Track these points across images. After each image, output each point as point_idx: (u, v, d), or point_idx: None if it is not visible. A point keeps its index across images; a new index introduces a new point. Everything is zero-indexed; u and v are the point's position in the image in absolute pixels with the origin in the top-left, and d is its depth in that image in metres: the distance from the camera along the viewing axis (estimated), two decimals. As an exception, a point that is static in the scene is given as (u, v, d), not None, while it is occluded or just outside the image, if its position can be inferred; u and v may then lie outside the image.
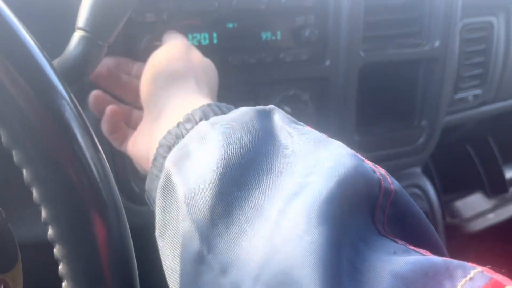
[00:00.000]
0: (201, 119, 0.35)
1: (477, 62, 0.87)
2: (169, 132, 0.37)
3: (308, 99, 0.67)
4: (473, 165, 1.08)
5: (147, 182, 0.40)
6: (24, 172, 0.22)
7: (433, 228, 0.30)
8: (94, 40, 0.38)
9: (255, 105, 0.63)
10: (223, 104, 0.38)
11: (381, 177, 0.27)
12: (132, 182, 0.59)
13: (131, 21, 0.53)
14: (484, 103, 0.93)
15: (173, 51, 0.47)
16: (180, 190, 0.28)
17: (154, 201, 0.38)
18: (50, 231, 0.23)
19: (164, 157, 0.36)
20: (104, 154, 0.27)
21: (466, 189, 1.09)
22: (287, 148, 0.29)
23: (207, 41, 0.59)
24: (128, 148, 0.47)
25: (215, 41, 0.59)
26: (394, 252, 0.24)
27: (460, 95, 0.87)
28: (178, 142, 0.35)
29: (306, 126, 0.33)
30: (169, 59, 0.46)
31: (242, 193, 0.27)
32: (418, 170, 0.82)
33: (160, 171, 0.36)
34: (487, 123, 1.08)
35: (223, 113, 0.36)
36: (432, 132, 0.76)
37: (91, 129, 0.25)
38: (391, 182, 0.28)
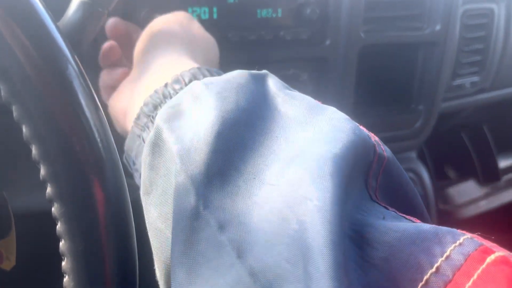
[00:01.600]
0: (190, 81, 0.34)
1: (476, 48, 0.87)
2: (155, 91, 0.36)
3: (307, 79, 0.66)
4: (467, 153, 1.09)
5: (127, 142, 0.38)
6: (24, 128, 0.22)
7: (420, 199, 0.29)
8: (94, 7, 0.37)
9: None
10: (213, 69, 0.37)
11: (375, 143, 0.27)
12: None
13: (131, -9, 0.53)
14: (481, 91, 0.93)
15: (174, 18, 0.47)
16: (174, 147, 0.27)
17: (133, 162, 0.37)
18: (48, 190, 0.23)
19: (148, 116, 0.35)
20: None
21: (459, 176, 1.10)
22: (282, 113, 0.29)
23: (207, 16, 0.58)
24: (109, 105, 0.46)
25: (215, 15, 0.58)
26: (384, 218, 0.24)
27: (458, 81, 0.87)
28: (165, 101, 0.34)
29: (299, 93, 0.32)
30: (169, 23, 0.46)
31: (238, 153, 0.26)
32: (413, 154, 0.83)
33: (143, 130, 0.35)
34: (483, 112, 1.08)
35: (214, 76, 0.35)
36: (429, 117, 0.76)
37: (92, 89, 0.24)
38: (384, 149, 0.28)
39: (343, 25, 0.63)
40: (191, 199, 0.25)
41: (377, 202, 0.26)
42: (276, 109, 0.29)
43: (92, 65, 0.54)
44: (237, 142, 0.27)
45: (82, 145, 0.23)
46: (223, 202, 0.25)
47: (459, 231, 0.23)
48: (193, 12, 0.57)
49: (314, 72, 0.67)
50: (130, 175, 0.59)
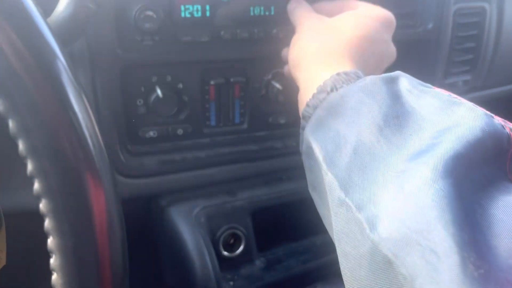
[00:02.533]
0: (332, 89, 0.39)
1: (468, 47, 0.88)
2: (307, 105, 0.41)
3: (300, 77, 0.66)
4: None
5: (301, 145, 0.45)
6: (10, 123, 0.22)
7: None
8: (84, 2, 0.37)
9: (246, 82, 0.63)
10: (352, 71, 0.41)
11: (510, 132, 0.30)
12: (120, 153, 0.58)
13: (123, -11, 0.52)
14: (473, 89, 0.93)
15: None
16: (320, 155, 0.35)
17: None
18: (36, 185, 0.23)
19: (303, 128, 0.41)
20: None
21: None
22: (416, 111, 0.33)
23: (199, 14, 0.58)
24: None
25: (207, 13, 0.58)
26: None
27: (450, 80, 0.87)
28: (313, 113, 0.40)
29: (433, 87, 0.36)
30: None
31: (371, 152, 0.32)
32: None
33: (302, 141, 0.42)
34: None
35: (353, 79, 0.39)
36: (421, 115, 0.76)
37: (81, 84, 0.24)
38: None
39: (336, 23, 0.63)
40: (336, 191, 0.32)
41: None
42: (410, 107, 0.33)
43: (81, 61, 0.53)
44: (371, 144, 0.32)
45: (70, 140, 0.22)
46: (361, 190, 0.31)
47: None
48: (185, 9, 0.57)
49: (307, 70, 0.66)
50: (119, 172, 0.59)
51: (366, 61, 0.48)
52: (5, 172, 0.57)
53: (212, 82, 0.62)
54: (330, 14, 0.53)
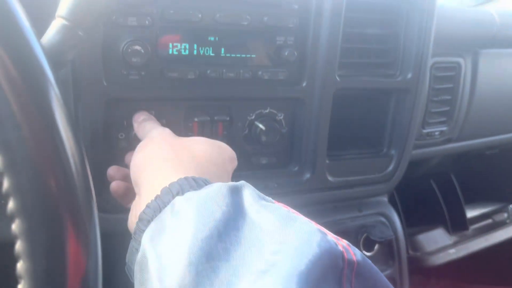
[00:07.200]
0: (178, 193, 0.37)
1: (444, 99, 0.91)
2: (147, 206, 0.38)
3: (283, 118, 0.67)
4: (436, 201, 1.11)
5: (127, 255, 0.41)
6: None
7: None
8: (74, 30, 0.37)
9: (230, 121, 0.63)
10: (200, 178, 0.40)
11: (343, 250, 0.29)
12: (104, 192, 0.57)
13: (113, 23, 0.53)
14: (449, 140, 0.96)
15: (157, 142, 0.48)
16: (152, 265, 0.31)
17: (133, 274, 0.38)
18: (10, 204, 0.22)
19: (143, 231, 0.37)
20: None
21: (429, 224, 1.11)
22: (255, 224, 0.31)
23: (187, 52, 0.59)
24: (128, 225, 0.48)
25: (195, 52, 0.59)
26: None
27: (427, 129, 0.90)
28: (156, 216, 0.36)
29: (274, 201, 0.35)
30: (154, 148, 0.47)
31: (210, 264, 0.29)
32: (384, 199, 0.83)
33: (139, 244, 0.37)
34: (451, 161, 1.11)
35: (200, 186, 0.38)
36: (400, 161, 0.77)
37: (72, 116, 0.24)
38: (354, 254, 0.30)
39: (320, 68, 0.65)
40: None
41: None
42: (250, 220, 0.32)
43: (64, 88, 0.53)
44: (210, 253, 0.29)
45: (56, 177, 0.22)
46: None
47: None
48: (173, 47, 0.58)
49: (290, 112, 0.67)
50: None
51: (211, 174, 0.46)
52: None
53: (195, 119, 0.62)
54: None
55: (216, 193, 0.34)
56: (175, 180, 0.38)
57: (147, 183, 0.43)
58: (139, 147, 0.48)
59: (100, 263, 0.26)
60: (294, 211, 0.34)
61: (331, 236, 0.30)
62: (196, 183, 0.38)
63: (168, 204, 0.36)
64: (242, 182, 0.36)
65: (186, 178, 0.39)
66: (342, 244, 0.30)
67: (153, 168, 0.44)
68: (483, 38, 0.94)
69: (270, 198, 0.36)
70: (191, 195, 0.35)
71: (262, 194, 0.36)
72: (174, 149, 0.45)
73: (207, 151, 0.47)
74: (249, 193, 0.35)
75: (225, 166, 0.48)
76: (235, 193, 0.34)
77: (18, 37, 0.25)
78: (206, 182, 0.39)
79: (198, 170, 0.43)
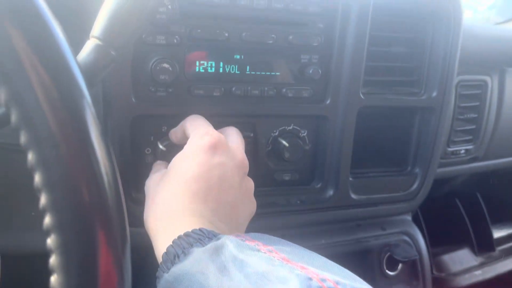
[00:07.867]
0: (175, 256, 0.39)
1: (470, 117, 0.90)
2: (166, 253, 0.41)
3: (306, 135, 0.68)
4: (461, 220, 1.08)
5: None
6: (29, 155, 0.22)
7: None
8: (108, 50, 0.39)
9: (254, 137, 0.64)
10: (207, 231, 0.41)
11: None
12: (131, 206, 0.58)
13: (142, 41, 0.55)
14: (475, 159, 0.94)
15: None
16: None
17: None
18: (46, 219, 0.23)
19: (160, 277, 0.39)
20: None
21: (454, 243, 1.09)
22: (242, 282, 0.33)
23: (213, 69, 0.60)
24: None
25: (221, 69, 0.60)
26: None
27: (453, 148, 0.89)
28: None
29: (260, 250, 0.36)
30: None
31: None
32: (408, 217, 0.82)
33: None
34: (477, 179, 1.09)
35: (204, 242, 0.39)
36: (424, 180, 0.76)
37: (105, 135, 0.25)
38: None
39: (344, 85, 0.65)
40: None
41: None
42: (237, 276, 0.33)
43: (95, 105, 0.55)
44: None
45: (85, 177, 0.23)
46: None
47: None
48: (200, 65, 0.59)
49: (314, 129, 0.68)
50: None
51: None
52: (6, 214, 0.56)
53: (220, 136, 0.63)
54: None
55: (195, 267, 0.36)
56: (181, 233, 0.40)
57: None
58: (170, 164, 0.51)
59: (130, 279, 0.27)
60: (280, 257, 0.35)
61: (316, 280, 0.31)
62: (200, 237, 0.40)
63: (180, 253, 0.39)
64: (223, 239, 0.38)
65: (187, 234, 0.40)
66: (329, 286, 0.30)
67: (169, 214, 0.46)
68: (510, 56, 0.93)
69: (255, 247, 0.37)
70: (175, 270, 0.37)
71: (247, 244, 0.37)
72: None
73: (237, 198, 0.49)
74: (232, 247, 0.36)
75: (244, 214, 0.51)
76: (216, 254, 0.36)
77: (58, 59, 0.26)
78: (211, 236, 0.40)
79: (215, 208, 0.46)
